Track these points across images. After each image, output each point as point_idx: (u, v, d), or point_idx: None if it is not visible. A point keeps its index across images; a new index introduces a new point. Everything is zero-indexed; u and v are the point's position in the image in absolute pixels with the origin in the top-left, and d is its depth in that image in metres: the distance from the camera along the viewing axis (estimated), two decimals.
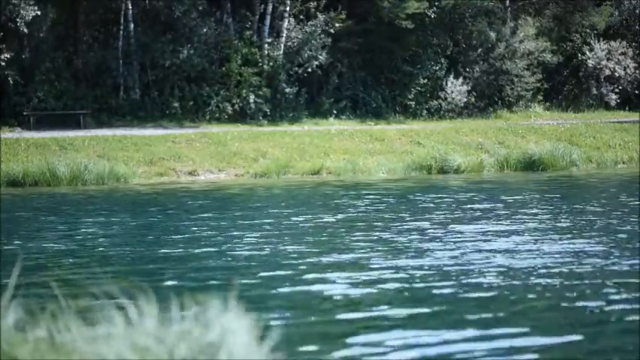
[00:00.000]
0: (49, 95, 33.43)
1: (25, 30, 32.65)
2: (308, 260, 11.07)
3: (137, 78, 35.11)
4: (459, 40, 41.19)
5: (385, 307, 8.31)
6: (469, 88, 39.77)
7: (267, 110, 35.63)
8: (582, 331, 7.34)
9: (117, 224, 15.48)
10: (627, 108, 43.49)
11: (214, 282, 9.77)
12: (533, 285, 9.20)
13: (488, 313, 8.00)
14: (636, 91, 44.51)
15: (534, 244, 12.03)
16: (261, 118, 35.36)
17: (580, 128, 33.90)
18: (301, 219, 15.72)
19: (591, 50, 43.65)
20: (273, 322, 7.28)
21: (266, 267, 10.69)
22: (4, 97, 33.11)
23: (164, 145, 28.33)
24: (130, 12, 35.05)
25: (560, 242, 12.15)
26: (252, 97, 35.40)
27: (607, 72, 43.53)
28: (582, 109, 42.83)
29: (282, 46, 36.85)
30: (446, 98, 39.36)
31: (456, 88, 39.26)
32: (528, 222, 14.61)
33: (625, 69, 43.76)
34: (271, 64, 36.45)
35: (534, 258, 10.85)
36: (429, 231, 13.63)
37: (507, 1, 42.86)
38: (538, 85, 41.73)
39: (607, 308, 8.10)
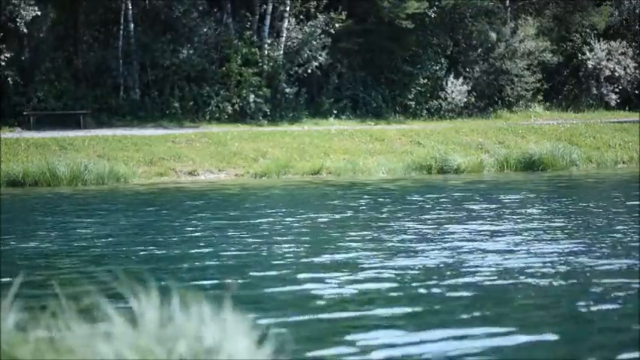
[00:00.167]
0: (49, 95, 33.45)
1: (25, 30, 32.67)
2: (302, 260, 11.10)
3: (137, 78, 35.13)
4: (459, 40, 41.20)
5: (378, 306, 8.36)
6: (469, 88, 39.79)
7: (267, 110, 35.64)
8: (567, 329, 7.38)
9: (116, 224, 15.47)
10: (627, 108, 43.51)
11: (210, 282, 9.77)
12: (524, 284, 9.23)
13: (477, 312, 8.04)
14: (636, 91, 44.53)
15: (529, 244, 12.05)
16: (261, 118, 35.38)
17: (580, 128, 33.92)
18: (299, 219, 15.73)
19: (591, 50, 43.67)
20: (265, 322, 7.28)
21: (260, 267, 10.72)
22: (4, 97, 33.12)
23: (164, 145, 28.34)
24: (130, 12, 35.06)
25: (554, 242, 12.17)
26: (252, 97, 35.41)
27: (607, 72, 43.55)
28: (582, 109, 42.86)
29: (282, 46, 36.86)
30: (446, 98, 39.37)
31: (456, 88, 39.27)
32: (525, 222, 14.62)
33: (625, 69, 43.78)
34: (271, 64, 36.46)
35: (527, 258, 10.87)
36: (425, 231, 13.65)
37: (507, 1, 42.87)
38: (538, 85, 41.74)
39: (594, 308, 8.12)
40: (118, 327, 3.78)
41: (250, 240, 12.99)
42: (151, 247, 12.55)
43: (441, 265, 10.45)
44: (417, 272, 10.04)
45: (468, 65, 40.82)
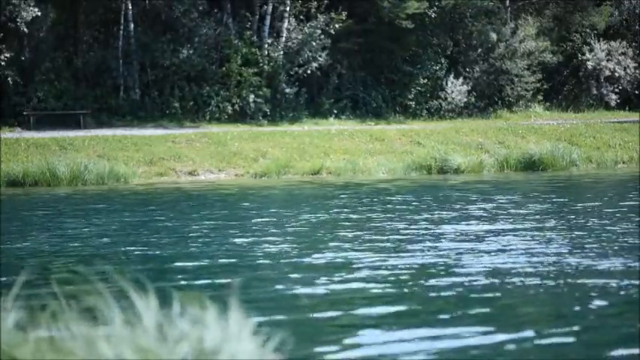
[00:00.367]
0: (49, 95, 33.46)
1: (25, 30, 32.69)
2: (297, 260, 11.10)
3: (137, 78, 35.14)
4: (459, 40, 41.22)
5: (372, 306, 8.36)
6: (469, 88, 39.81)
7: (267, 110, 35.66)
8: (557, 328, 7.38)
9: (115, 224, 15.47)
10: (627, 108, 43.54)
11: (209, 282, 9.78)
12: (515, 284, 9.23)
13: (466, 310, 8.04)
14: (636, 91, 44.55)
15: (524, 243, 12.05)
16: (261, 118, 35.39)
17: (580, 128, 33.93)
18: (298, 219, 15.73)
19: (591, 50, 43.69)
20: (260, 321, 7.28)
21: (255, 267, 10.72)
22: (4, 97, 33.14)
23: (164, 145, 28.35)
24: (130, 12, 35.07)
25: (550, 242, 12.16)
26: (252, 97, 35.43)
27: (607, 72, 43.57)
28: (582, 109, 42.88)
29: (282, 46, 36.87)
30: (446, 98, 39.39)
31: (456, 88, 39.29)
32: (523, 222, 14.62)
33: (625, 69, 43.81)
34: (271, 64, 36.47)
35: (521, 257, 10.86)
36: (422, 231, 13.65)
37: (507, 1, 42.89)
38: (538, 85, 41.77)
39: (584, 307, 8.13)
40: (118, 327, 3.77)
41: (247, 240, 12.99)
42: (144, 248, 12.54)
43: (436, 265, 10.46)
44: (412, 272, 10.05)
45: (468, 65, 40.84)
